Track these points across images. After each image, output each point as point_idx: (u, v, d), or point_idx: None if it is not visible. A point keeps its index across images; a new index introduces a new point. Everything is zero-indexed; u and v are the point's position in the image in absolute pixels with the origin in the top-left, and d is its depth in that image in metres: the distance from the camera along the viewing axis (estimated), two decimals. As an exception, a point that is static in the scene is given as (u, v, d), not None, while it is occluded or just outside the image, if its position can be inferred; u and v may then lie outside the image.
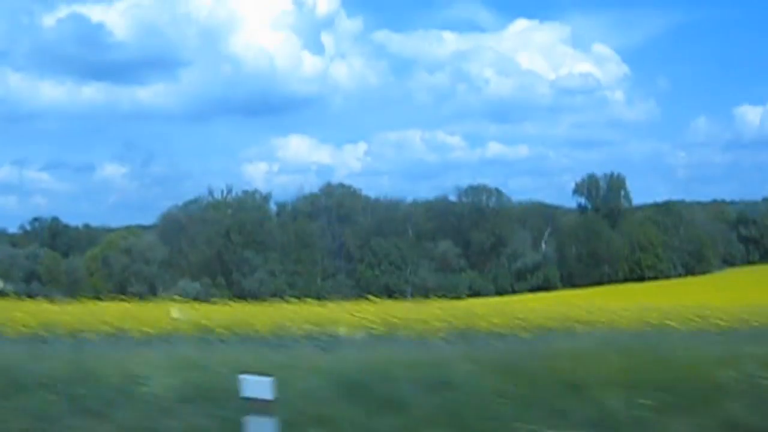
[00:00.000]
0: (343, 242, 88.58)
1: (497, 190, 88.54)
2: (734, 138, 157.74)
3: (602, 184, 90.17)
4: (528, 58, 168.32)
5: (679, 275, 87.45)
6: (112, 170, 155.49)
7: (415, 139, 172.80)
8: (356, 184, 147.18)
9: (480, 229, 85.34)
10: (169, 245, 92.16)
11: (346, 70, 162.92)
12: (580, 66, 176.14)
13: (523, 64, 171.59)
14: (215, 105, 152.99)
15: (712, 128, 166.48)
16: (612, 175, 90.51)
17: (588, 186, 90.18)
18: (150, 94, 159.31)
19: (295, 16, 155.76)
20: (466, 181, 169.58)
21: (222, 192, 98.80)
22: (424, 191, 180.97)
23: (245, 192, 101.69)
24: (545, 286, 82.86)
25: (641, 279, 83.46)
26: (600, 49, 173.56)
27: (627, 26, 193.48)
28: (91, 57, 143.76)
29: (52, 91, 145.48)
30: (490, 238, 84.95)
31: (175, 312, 19.92)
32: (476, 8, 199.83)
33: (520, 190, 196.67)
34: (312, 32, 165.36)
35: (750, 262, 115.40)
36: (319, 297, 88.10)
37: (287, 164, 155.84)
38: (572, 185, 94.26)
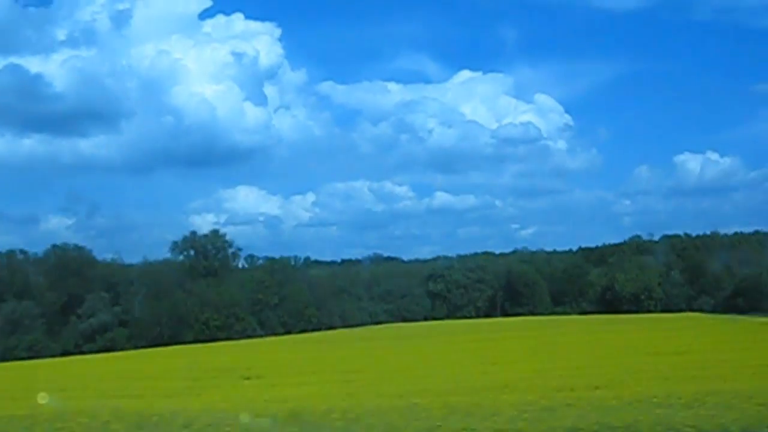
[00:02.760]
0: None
1: (81, 248, 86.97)
2: (676, 185, 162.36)
3: (204, 241, 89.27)
4: (471, 109, 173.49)
5: (273, 334, 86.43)
6: (56, 222, 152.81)
7: (363, 190, 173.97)
8: (305, 234, 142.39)
9: (56, 288, 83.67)
10: None
11: (290, 120, 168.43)
12: (522, 116, 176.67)
13: (466, 114, 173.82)
14: (158, 156, 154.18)
15: (654, 176, 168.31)
16: (216, 232, 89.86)
17: (189, 244, 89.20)
18: (92, 145, 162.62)
19: (237, 68, 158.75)
20: (414, 231, 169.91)
21: None
22: (373, 242, 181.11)
23: None
24: (111, 348, 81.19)
25: (213, 340, 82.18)
26: (542, 99, 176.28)
27: (569, 77, 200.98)
28: (30, 108, 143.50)
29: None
30: (63, 297, 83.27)
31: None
32: (422, 60, 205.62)
33: (468, 239, 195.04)
34: (254, 84, 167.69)
35: (434, 318, 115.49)
36: None
37: (235, 215, 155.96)
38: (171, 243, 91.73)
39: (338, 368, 36.30)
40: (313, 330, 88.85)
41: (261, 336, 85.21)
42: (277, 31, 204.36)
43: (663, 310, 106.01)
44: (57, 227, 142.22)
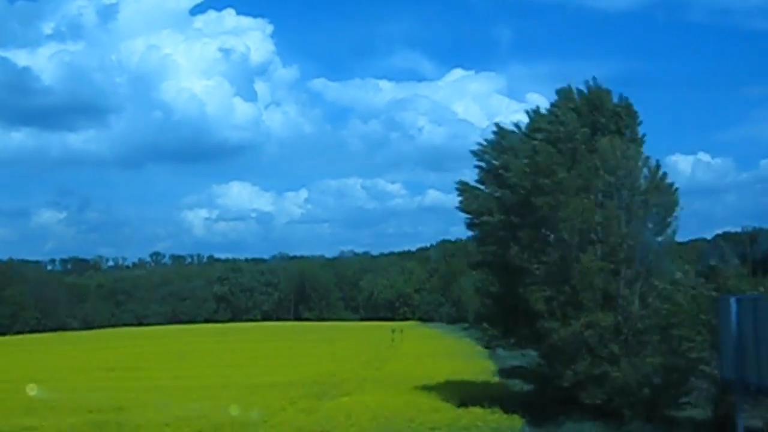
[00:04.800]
0: None
1: None
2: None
3: None
4: (463, 107, 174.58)
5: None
6: (48, 216, 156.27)
7: (355, 187, 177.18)
8: (297, 231, 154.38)
9: None
10: None
11: (281, 117, 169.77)
12: (514, 115, 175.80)
13: (458, 112, 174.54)
14: (148, 151, 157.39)
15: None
16: None
17: None
18: (81, 139, 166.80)
19: (228, 64, 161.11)
20: (406, 229, 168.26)
21: None
22: (366, 239, 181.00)
23: None
24: None
25: None
26: (534, 98, 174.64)
27: (562, 76, 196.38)
28: (18, 102, 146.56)
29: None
30: None
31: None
32: (415, 57, 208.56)
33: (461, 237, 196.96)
34: (245, 80, 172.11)
35: (217, 321, 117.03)
36: None
37: (227, 211, 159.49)
38: None
39: None
40: (31, 332, 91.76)
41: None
42: (269, 28, 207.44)
43: (420, 318, 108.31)
44: (49, 221, 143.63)
